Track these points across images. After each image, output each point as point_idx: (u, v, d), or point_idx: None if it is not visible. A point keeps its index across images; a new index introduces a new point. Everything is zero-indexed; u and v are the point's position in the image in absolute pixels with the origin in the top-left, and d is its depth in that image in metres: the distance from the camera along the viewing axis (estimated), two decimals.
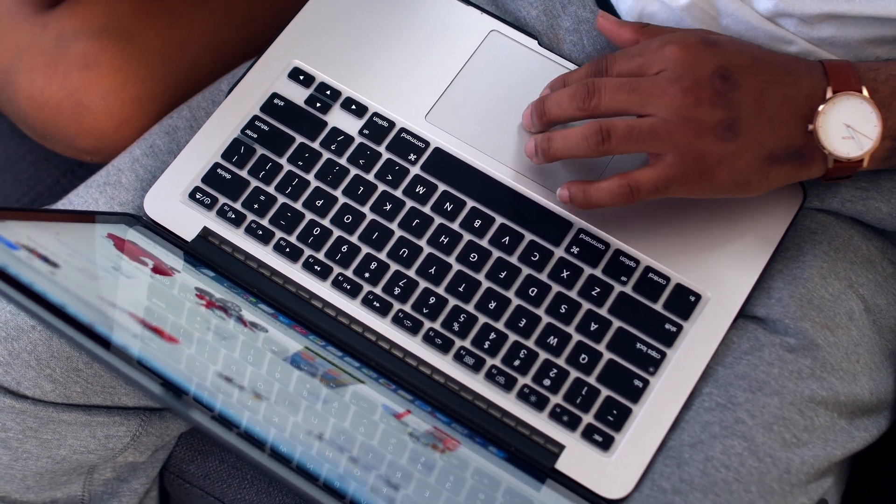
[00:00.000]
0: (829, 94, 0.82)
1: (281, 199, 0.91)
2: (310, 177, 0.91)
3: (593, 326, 0.87)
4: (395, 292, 0.88)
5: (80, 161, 1.09)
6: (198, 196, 0.91)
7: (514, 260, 0.89)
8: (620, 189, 0.84)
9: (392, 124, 0.93)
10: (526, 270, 0.88)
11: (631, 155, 0.89)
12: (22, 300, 0.66)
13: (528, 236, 0.89)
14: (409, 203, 0.90)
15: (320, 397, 0.76)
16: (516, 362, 0.86)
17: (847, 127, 0.82)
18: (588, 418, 0.85)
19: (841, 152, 0.83)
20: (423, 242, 0.89)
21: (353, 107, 0.93)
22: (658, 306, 0.87)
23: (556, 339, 0.86)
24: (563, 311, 0.87)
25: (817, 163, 0.83)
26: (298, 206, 0.91)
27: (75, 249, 0.79)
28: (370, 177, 0.91)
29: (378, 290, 0.88)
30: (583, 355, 0.86)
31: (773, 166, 0.83)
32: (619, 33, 0.89)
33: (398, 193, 0.91)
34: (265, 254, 0.89)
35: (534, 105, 0.89)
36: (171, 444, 0.98)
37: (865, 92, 0.83)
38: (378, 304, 0.88)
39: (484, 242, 0.89)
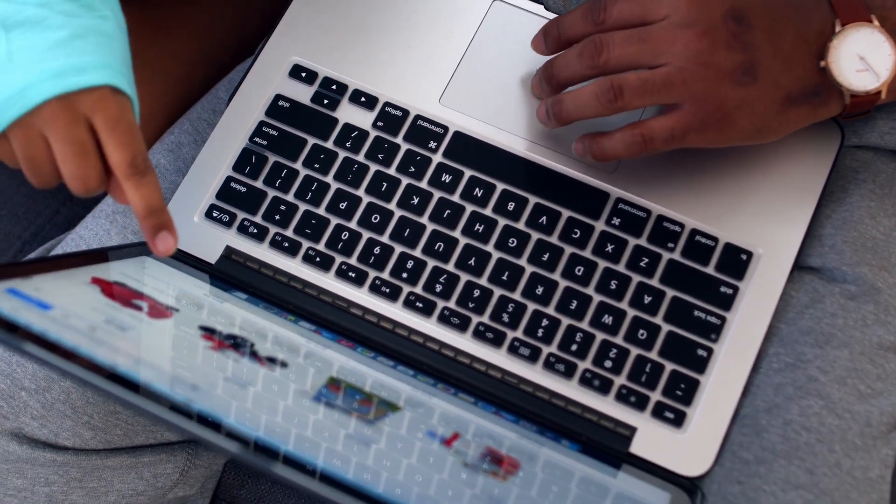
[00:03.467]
0: (837, 27, 0.79)
1: (303, 207, 0.86)
2: (329, 179, 0.87)
3: (647, 299, 0.83)
4: (437, 290, 0.84)
5: None
6: (215, 214, 0.87)
7: (554, 240, 0.85)
8: (634, 139, 0.80)
9: (406, 112, 0.88)
10: (569, 249, 0.85)
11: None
12: (75, 370, 0.61)
13: (566, 213, 0.86)
14: (437, 194, 0.86)
15: (357, 434, 0.71)
16: (573, 347, 0.83)
17: (861, 59, 0.79)
18: (656, 396, 0.81)
19: (857, 86, 0.79)
20: (457, 233, 0.85)
21: (363, 99, 0.89)
22: (710, 269, 0.84)
23: (610, 318, 0.83)
24: (614, 287, 0.84)
25: (834, 100, 0.80)
26: (322, 211, 0.86)
27: (66, 303, 0.74)
28: (392, 171, 0.87)
29: (418, 290, 0.84)
30: (641, 331, 0.83)
31: (791, 108, 0.79)
32: None
33: (424, 185, 0.87)
34: (294, 266, 0.85)
35: (541, 69, 0.85)
36: (218, 473, 0.95)
37: (876, 21, 0.79)
38: (421, 305, 0.84)
39: (521, 225, 0.85)
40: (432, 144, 0.88)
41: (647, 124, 0.80)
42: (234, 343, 0.75)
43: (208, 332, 0.75)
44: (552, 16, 0.90)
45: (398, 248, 0.85)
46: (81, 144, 0.75)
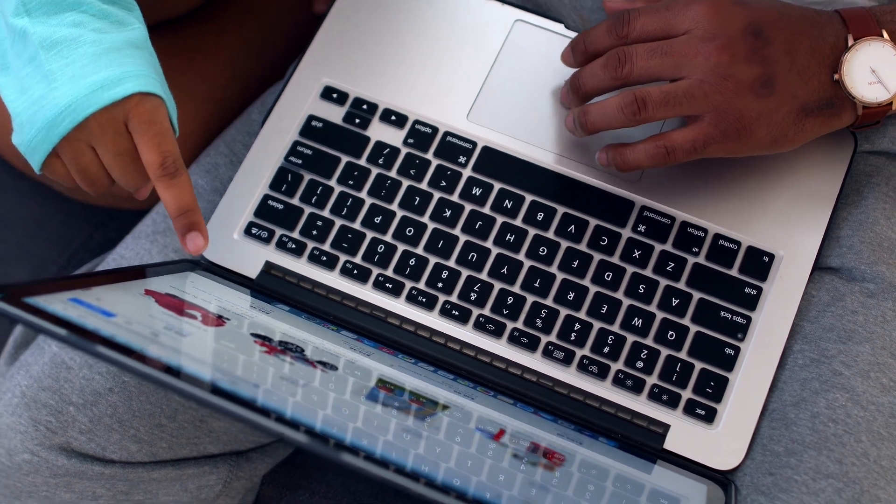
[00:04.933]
0: (850, 41, 0.83)
1: (339, 222, 0.89)
2: (363, 195, 0.90)
3: (675, 302, 0.86)
4: (472, 298, 0.87)
5: (109, 212, 1.06)
6: (254, 231, 0.89)
7: (583, 247, 0.88)
8: (656, 150, 0.83)
9: (435, 129, 0.92)
10: (598, 256, 0.88)
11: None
12: (145, 370, 0.64)
13: (593, 221, 0.89)
14: (468, 206, 0.89)
15: (413, 429, 0.74)
16: (606, 349, 0.86)
17: (872, 72, 0.83)
18: (687, 394, 0.84)
19: (868, 98, 0.83)
20: (489, 244, 0.88)
21: (393, 117, 0.92)
22: (734, 271, 0.87)
23: (640, 321, 0.86)
24: (642, 290, 0.87)
25: (847, 111, 0.84)
26: (357, 225, 0.89)
27: (127, 311, 0.77)
28: (424, 185, 0.90)
29: (454, 299, 0.87)
30: (670, 332, 0.86)
31: (807, 119, 0.83)
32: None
33: (455, 198, 0.90)
34: (333, 279, 0.88)
35: (569, 80, 0.88)
36: (257, 485, 0.97)
37: (886, 35, 0.83)
38: (457, 313, 0.87)
39: (550, 234, 0.89)
40: (462, 159, 0.91)
41: (669, 136, 0.83)
42: (287, 348, 0.77)
43: (261, 338, 0.78)
44: (572, 34, 0.94)
45: (433, 259, 0.88)
46: (128, 153, 0.79)
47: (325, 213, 0.90)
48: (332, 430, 0.66)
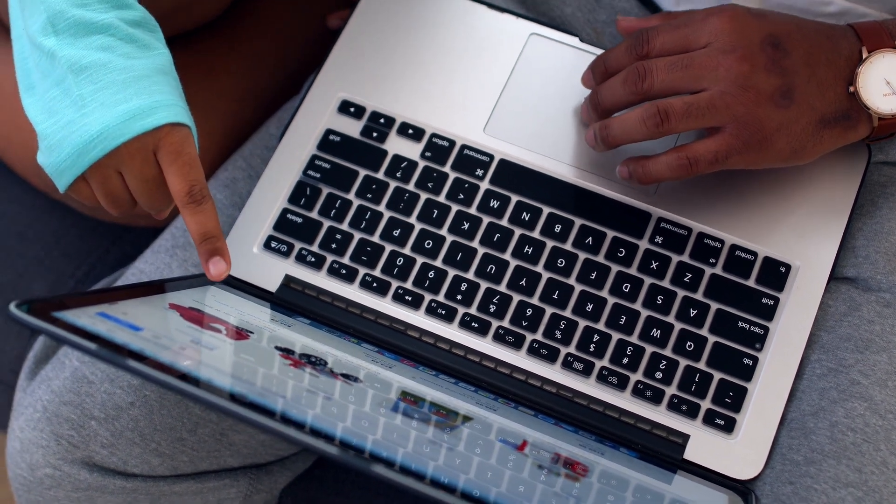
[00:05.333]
0: (864, 53, 0.83)
1: (357, 235, 0.90)
2: (381, 208, 0.91)
3: (692, 312, 0.87)
4: (491, 310, 0.88)
5: (125, 227, 1.07)
6: (273, 245, 0.90)
7: (601, 259, 0.89)
8: (678, 162, 0.84)
9: (452, 143, 0.92)
10: (615, 268, 0.88)
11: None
12: (177, 384, 0.64)
13: (611, 233, 0.89)
14: (486, 219, 0.90)
15: (437, 439, 0.75)
16: (625, 360, 0.86)
17: (887, 84, 0.84)
18: (706, 404, 0.85)
19: (884, 109, 0.84)
20: (507, 256, 0.89)
21: (410, 131, 0.93)
22: (751, 282, 0.88)
23: (658, 331, 0.87)
24: (660, 301, 0.87)
25: (863, 123, 0.84)
26: (376, 238, 0.90)
27: (153, 325, 0.78)
28: (442, 199, 0.91)
29: (473, 311, 0.88)
30: (688, 342, 0.86)
31: (824, 130, 0.84)
32: (647, 27, 0.89)
33: (473, 211, 0.90)
34: (352, 292, 0.89)
35: (588, 97, 0.89)
36: (276, 498, 0.97)
37: None
38: (476, 325, 0.87)
39: (568, 246, 0.89)
40: (479, 172, 0.91)
41: (691, 147, 0.84)
42: (310, 361, 0.78)
43: (285, 351, 0.78)
44: (587, 47, 0.95)
45: (452, 272, 0.89)
46: (154, 180, 0.80)
47: (344, 226, 0.90)
48: (357, 440, 0.67)
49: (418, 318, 0.88)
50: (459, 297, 0.88)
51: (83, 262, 1.04)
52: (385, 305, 0.88)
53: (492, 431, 0.79)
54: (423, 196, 0.91)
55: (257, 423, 0.63)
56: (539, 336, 0.87)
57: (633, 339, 0.87)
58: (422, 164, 0.92)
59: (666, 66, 0.83)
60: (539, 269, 0.89)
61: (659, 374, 0.86)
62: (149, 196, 0.80)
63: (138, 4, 0.79)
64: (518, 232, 0.90)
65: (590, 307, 0.87)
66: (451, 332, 0.87)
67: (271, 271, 0.90)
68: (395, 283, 0.89)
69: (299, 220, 0.91)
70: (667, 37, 0.84)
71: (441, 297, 0.88)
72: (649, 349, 0.86)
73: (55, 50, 0.76)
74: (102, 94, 0.77)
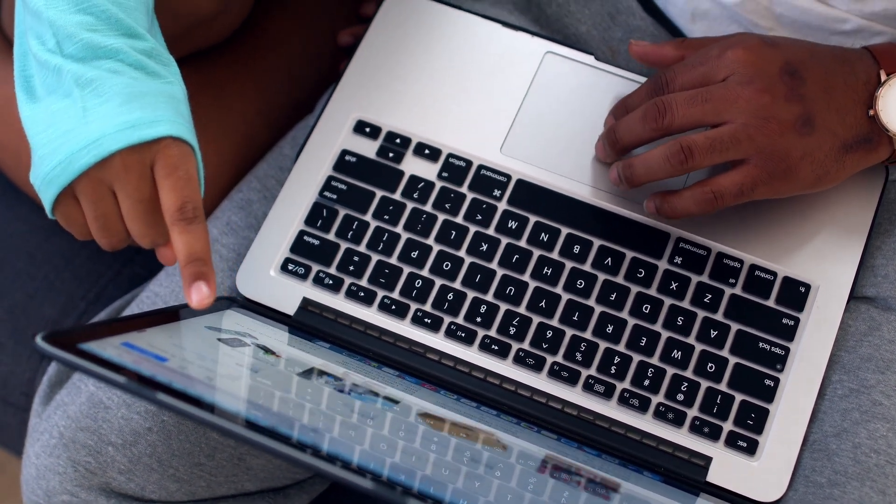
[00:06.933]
0: (883, 76, 0.83)
1: (375, 257, 0.89)
2: (398, 229, 0.90)
3: (713, 333, 0.87)
4: (511, 332, 0.87)
5: (137, 248, 1.06)
6: (290, 267, 0.89)
7: (620, 280, 0.88)
8: (704, 197, 0.84)
9: (469, 163, 0.92)
10: (635, 288, 0.88)
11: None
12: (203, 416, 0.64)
13: (630, 254, 0.89)
14: (505, 240, 0.90)
15: (456, 467, 0.74)
16: (646, 382, 0.86)
17: None
18: (728, 426, 0.85)
19: None
20: (526, 277, 0.89)
21: (427, 151, 0.92)
22: (771, 302, 0.88)
23: (679, 353, 0.86)
24: (681, 323, 0.87)
25: (884, 145, 0.84)
26: (394, 260, 0.89)
27: (188, 348, 0.77)
28: (459, 219, 0.90)
29: (493, 333, 0.87)
30: (709, 364, 0.86)
31: (847, 155, 0.84)
32: (660, 53, 0.88)
33: (491, 232, 0.90)
34: (371, 315, 0.88)
35: (604, 135, 0.88)
36: None
37: None
38: (496, 347, 0.87)
39: (587, 267, 0.89)
40: (497, 192, 0.91)
41: (716, 181, 0.83)
42: (333, 384, 0.77)
43: (307, 373, 0.78)
44: (602, 66, 0.94)
45: (471, 294, 0.88)
46: (150, 202, 0.76)
47: (362, 248, 0.90)
48: (393, 474, 0.66)
49: (438, 341, 0.87)
50: (479, 319, 0.88)
51: (94, 284, 1.03)
52: (404, 328, 0.88)
53: (517, 454, 0.78)
54: (441, 217, 0.90)
55: (310, 465, 0.62)
56: (559, 358, 0.87)
57: (654, 360, 0.86)
58: (439, 184, 0.91)
59: (685, 101, 0.83)
60: (558, 290, 0.88)
61: (680, 396, 0.85)
62: (141, 221, 0.77)
63: (149, 37, 0.77)
64: (537, 253, 0.89)
65: (610, 328, 0.87)
66: (472, 354, 0.87)
67: (289, 294, 0.89)
68: (413, 306, 0.88)
69: (316, 241, 0.90)
70: (686, 76, 0.84)
71: (460, 320, 0.88)
72: (670, 371, 0.86)
73: (62, 66, 0.75)
74: (106, 106, 0.74)
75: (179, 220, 0.75)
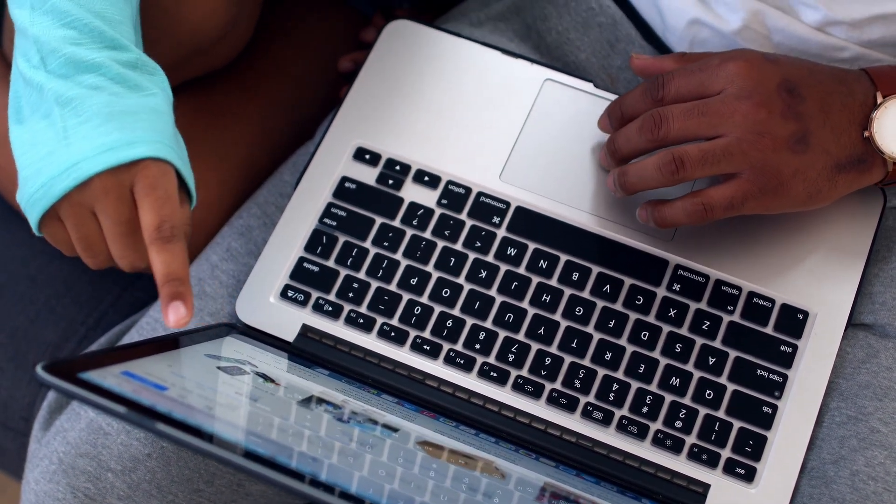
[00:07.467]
0: (879, 98, 0.84)
1: (375, 284, 0.90)
2: (398, 256, 0.90)
3: (711, 360, 0.87)
4: (510, 359, 0.87)
5: (138, 273, 1.06)
6: (290, 294, 0.90)
7: (619, 307, 0.89)
8: (695, 207, 0.84)
9: (469, 190, 0.92)
10: (633, 315, 0.88)
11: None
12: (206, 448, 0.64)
13: (628, 281, 0.89)
14: (504, 267, 0.90)
15: (452, 493, 0.74)
16: (644, 409, 0.86)
17: None
18: (726, 453, 0.85)
19: None
20: (525, 304, 0.89)
21: (426, 178, 0.93)
22: (769, 330, 0.88)
23: (677, 380, 0.87)
24: (679, 350, 0.87)
25: (878, 167, 0.85)
26: (393, 287, 0.90)
27: (187, 376, 0.77)
28: (458, 246, 0.91)
29: (492, 360, 0.88)
30: (707, 391, 0.86)
31: (839, 175, 0.84)
32: (661, 66, 0.89)
33: (490, 259, 0.90)
34: (370, 341, 0.88)
35: (606, 143, 0.89)
36: None
37: None
38: (495, 374, 0.87)
39: (586, 294, 0.89)
40: (496, 220, 0.91)
41: (707, 193, 0.84)
42: (332, 412, 0.78)
43: (306, 401, 0.78)
44: (601, 93, 0.95)
45: (469, 321, 0.89)
46: (129, 223, 0.76)
47: (361, 274, 0.90)
48: (371, 494, 0.67)
49: (437, 368, 0.88)
50: (478, 346, 0.88)
51: (95, 309, 1.03)
52: (403, 355, 0.88)
53: (511, 482, 0.78)
54: (440, 244, 0.91)
55: (308, 495, 0.62)
56: (558, 385, 0.87)
57: (653, 387, 0.87)
58: (438, 211, 0.92)
59: (682, 114, 0.83)
60: (557, 317, 0.89)
61: (678, 423, 0.86)
62: (121, 242, 0.77)
63: (134, 47, 0.78)
64: (535, 280, 0.90)
65: (608, 355, 0.87)
66: (470, 381, 0.87)
67: (288, 321, 0.89)
68: (412, 333, 0.88)
69: (316, 268, 0.90)
70: (682, 81, 0.85)
71: (459, 347, 0.88)
72: (668, 398, 0.86)
73: (43, 84, 0.75)
74: (85, 126, 0.75)
75: (157, 239, 0.75)
